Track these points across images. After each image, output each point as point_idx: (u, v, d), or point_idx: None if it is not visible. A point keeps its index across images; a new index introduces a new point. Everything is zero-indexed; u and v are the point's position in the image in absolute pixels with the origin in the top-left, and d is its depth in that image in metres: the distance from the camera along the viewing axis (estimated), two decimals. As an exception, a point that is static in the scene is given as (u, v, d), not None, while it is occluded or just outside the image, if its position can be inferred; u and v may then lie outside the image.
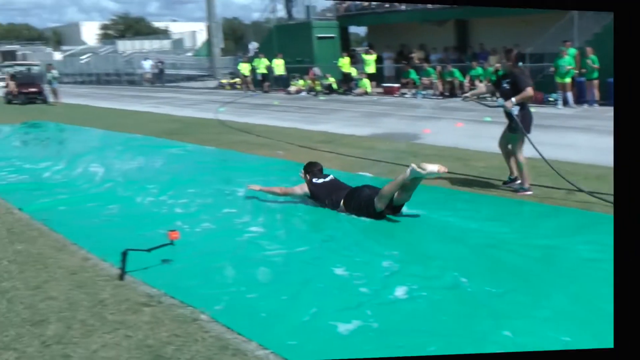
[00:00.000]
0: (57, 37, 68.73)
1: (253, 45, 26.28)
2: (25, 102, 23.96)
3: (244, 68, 23.49)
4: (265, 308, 3.88)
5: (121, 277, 4.27)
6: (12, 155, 10.81)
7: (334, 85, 20.64)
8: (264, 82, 22.78)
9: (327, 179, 6.56)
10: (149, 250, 4.64)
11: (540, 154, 6.78)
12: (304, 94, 21.01)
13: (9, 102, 24.89)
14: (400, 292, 4.11)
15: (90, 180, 8.24)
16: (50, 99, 24.19)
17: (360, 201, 6.10)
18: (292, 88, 21.56)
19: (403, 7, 21.53)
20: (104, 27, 68.67)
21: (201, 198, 6.98)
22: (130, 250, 4.51)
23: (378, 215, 5.93)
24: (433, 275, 4.42)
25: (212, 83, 28.38)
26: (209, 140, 10.97)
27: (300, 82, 21.65)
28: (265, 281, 4.44)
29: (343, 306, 3.91)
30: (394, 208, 5.98)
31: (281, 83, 22.54)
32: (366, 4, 23.01)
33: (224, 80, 26.92)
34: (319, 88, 20.83)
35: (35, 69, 29.84)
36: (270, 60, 22.57)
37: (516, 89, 6.66)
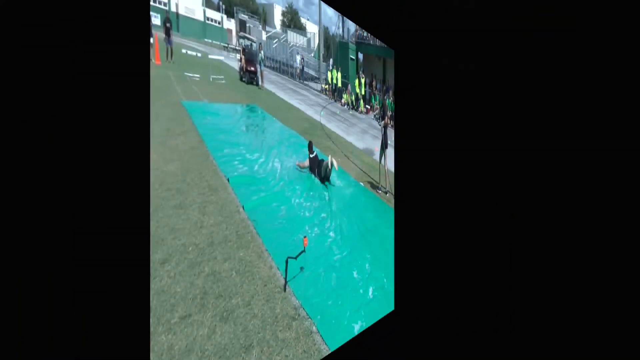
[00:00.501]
0: (264, 16, 34.12)
1: (330, 62, 17.54)
2: (248, 82, 10.89)
3: (329, 77, 16.00)
4: (334, 314, 2.77)
5: (284, 287, 2.91)
6: (240, 142, 5.90)
7: (353, 103, 15.05)
8: (335, 92, 15.73)
9: (313, 155, 5.73)
10: (295, 257, 3.12)
11: (380, 162, 5.95)
12: (346, 106, 15.11)
13: (240, 78, 11.00)
14: (370, 292, 3.15)
15: (275, 177, 5.17)
16: (260, 82, 11.08)
17: (318, 170, 5.50)
18: (342, 100, 15.48)
19: (371, 42, 15.48)
20: (283, 13, 35.39)
21: (313, 201, 4.76)
22: (289, 258, 3.05)
23: (322, 181, 5.44)
24: (377, 276, 3.41)
25: (318, 86, 17.33)
26: (317, 143, 7.31)
27: (345, 96, 15.53)
28: (333, 287, 3.10)
29: (355, 308, 2.92)
30: (327, 179, 5.47)
31: (338, 94, 16.02)
32: (366, 35, 15.89)
33: (323, 85, 17.29)
34: (349, 103, 15.46)
35: (254, 46, 13.03)
36: (337, 72, 15.38)
37: (384, 116, 5.77)
